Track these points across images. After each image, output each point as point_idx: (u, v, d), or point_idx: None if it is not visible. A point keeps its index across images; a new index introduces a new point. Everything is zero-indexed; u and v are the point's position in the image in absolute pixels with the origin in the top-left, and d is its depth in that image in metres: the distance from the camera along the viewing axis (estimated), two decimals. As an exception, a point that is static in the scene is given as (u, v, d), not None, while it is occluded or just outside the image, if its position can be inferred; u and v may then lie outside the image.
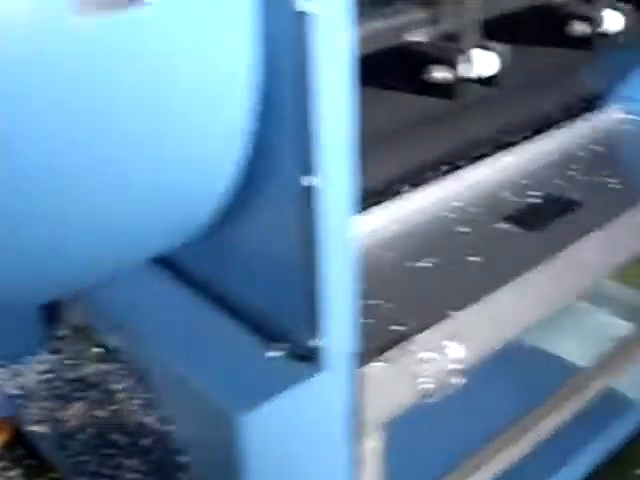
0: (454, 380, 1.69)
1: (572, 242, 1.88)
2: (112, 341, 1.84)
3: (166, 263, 1.77)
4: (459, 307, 1.68)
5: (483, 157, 2.15)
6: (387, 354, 1.57)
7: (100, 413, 2.14)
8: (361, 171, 1.41)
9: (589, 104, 2.44)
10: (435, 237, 1.92)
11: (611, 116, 2.47)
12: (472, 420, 2.28)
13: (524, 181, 2.14)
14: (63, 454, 2.28)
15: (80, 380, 2.34)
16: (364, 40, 1.36)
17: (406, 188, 1.99)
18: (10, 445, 2.55)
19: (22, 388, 2.40)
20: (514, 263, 1.82)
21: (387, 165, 1.89)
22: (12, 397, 2.34)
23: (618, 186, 2.12)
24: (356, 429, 1.59)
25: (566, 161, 2.24)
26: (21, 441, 2.47)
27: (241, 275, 1.61)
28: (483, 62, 1.43)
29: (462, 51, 1.40)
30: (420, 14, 1.45)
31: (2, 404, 2.40)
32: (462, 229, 1.95)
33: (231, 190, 1.43)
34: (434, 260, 1.83)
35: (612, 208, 2.01)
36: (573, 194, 2.08)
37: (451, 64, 1.38)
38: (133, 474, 2.03)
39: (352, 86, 1.31)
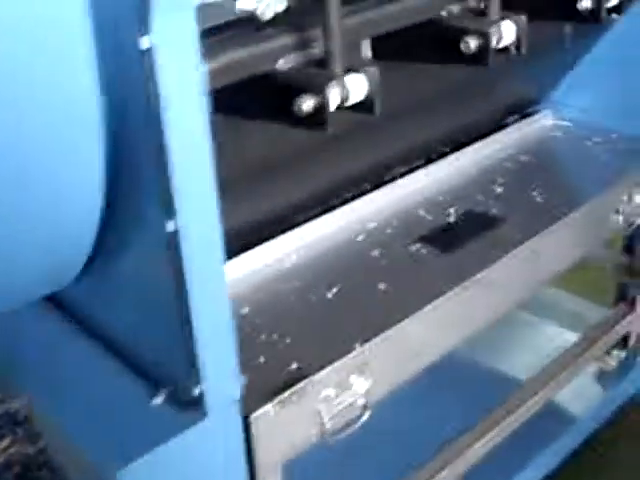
0: (360, 415, 1.61)
1: (489, 262, 1.80)
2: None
3: (56, 303, 1.69)
4: (364, 339, 1.60)
5: (400, 175, 2.06)
6: (283, 395, 1.49)
7: (26, 450, 2.07)
8: (255, 202, 1.32)
9: (517, 112, 2.35)
10: (343, 264, 1.83)
11: (542, 123, 2.38)
12: (404, 443, 2.20)
13: (442, 198, 2.05)
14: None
15: (7, 415, 2.27)
16: (226, 71, 1.28)
17: (312, 214, 1.90)
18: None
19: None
20: (426, 288, 1.74)
21: (285, 193, 1.80)
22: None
23: (545, 199, 2.04)
24: (251, 475, 1.51)
25: (491, 174, 2.15)
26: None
27: (124, 319, 1.53)
28: (353, 87, 1.34)
29: (330, 77, 1.31)
30: (288, 39, 1.36)
31: None
32: (373, 253, 1.86)
33: (95, 236, 1.35)
34: (340, 289, 1.75)
35: (536, 223, 1.93)
36: (495, 210, 2.00)
37: (318, 92, 1.29)
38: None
39: (207, 124, 1.22)
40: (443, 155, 2.16)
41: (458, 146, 2.19)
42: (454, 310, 1.74)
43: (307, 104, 1.29)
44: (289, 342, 1.62)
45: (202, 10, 1.23)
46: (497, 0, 1.57)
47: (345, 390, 1.58)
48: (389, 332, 1.62)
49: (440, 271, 1.79)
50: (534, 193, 2.05)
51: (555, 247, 1.93)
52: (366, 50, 1.63)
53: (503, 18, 1.58)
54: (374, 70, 1.35)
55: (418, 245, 1.88)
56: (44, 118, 1.20)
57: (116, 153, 1.27)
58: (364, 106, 1.38)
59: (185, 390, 1.41)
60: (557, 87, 2.36)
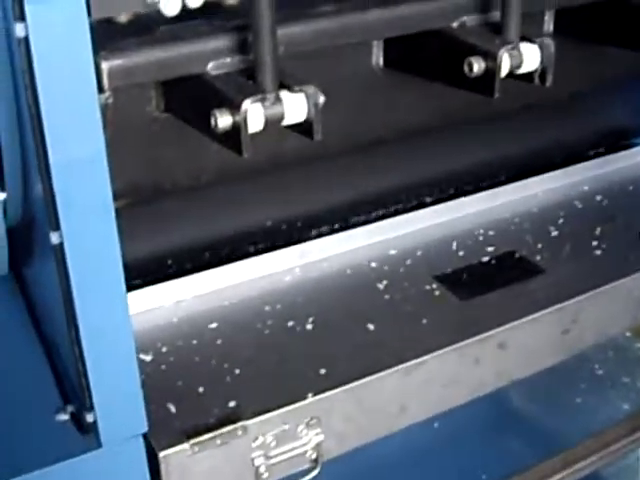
0: (310, 469, 1.42)
1: (505, 321, 1.54)
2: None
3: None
4: (321, 389, 1.40)
5: (443, 199, 1.81)
6: (206, 436, 1.32)
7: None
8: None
9: (608, 142, 2.03)
10: (339, 291, 1.62)
11: (634, 160, 2.05)
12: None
13: (483, 232, 1.78)
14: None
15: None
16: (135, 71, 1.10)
17: (324, 230, 1.69)
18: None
19: None
20: (420, 338, 1.51)
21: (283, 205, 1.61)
22: None
23: (604, 254, 1.74)
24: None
25: (553, 212, 1.86)
26: None
27: (44, 322, 1.41)
28: (289, 106, 1.12)
29: (255, 92, 1.10)
30: (224, 42, 1.15)
31: None
32: (379, 285, 1.64)
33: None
34: (322, 321, 1.54)
35: (580, 282, 1.64)
36: (539, 257, 1.72)
37: (235, 108, 1.08)
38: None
39: (101, 129, 1.05)
40: (502, 182, 1.88)
41: (524, 174, 1.90)
42: (447, 371, 1.50)
43: (223, 121, 1.09)
44: (238, 375, 1.43)
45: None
46: (516, 15, 1.28)
47: (290, 441, 1.39)
48: (355, 385, 1.41)
49: (446, 321, 1.55)
50: (594, 243, 1.75)
51: (597, 315, 1.63)
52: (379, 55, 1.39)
53: (524, 39, 1.30)
54: (315, 92, 1.13)
55: (434, 284, 1.64)
56: None
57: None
58: (302, 128, 1.16)
59: (81, 414, 1.27)
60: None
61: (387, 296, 1.60)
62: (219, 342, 1.50)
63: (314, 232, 1.68)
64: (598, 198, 1.91)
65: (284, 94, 1.12)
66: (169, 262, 1.56)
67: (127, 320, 1.19)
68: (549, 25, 1.56)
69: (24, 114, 1.09)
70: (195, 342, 1.49)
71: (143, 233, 1.48)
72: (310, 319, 1.54)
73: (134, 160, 1.26)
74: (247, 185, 1.44)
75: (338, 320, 1.54)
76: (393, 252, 1.72)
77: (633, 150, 2.05)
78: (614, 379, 2.30)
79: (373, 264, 1.68)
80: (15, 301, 1.56)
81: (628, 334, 2.34)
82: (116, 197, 1.11)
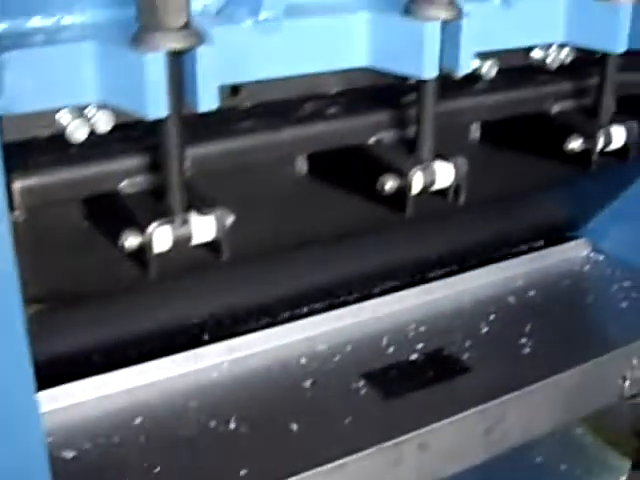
0: None
1: (428, 422, 1.56)
2: None
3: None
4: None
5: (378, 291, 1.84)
6: None
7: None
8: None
9: (547, 236, 2.07)
10: (264, 390, 1.63)
11: (571, 253, 2.09)
12: None
13: (414, 328, 1.81)
14: None
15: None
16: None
17: (254, 325, 1.71)
18: None
19: None
20: (342, 439, 1.52)
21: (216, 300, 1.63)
22: None
23: (532, 351, 1.76)
24: None
25: (485, 308, 1.89)
26: None
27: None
28: (197, 228, 1.15)
29: (162, 213, 1.13)
30: (135, 161, 1.18)
31: None
32: (305, 383, 1.65)
33: None
34: (245, 421, 1.55)
35: (506, 381, 1.66)
36: (467, 355, 1.74)
37: (142, 229, 1.11)
38: None
39: (10, 250, 1.06)
40: (436, 277, 1.91)
41: (458, 269, 1.93)
42: (368, 471, 1.51)
43: (131, 241, 1.12)
44: (158, 474, 1.43)
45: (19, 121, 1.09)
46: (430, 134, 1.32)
47: None
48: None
49: (369, 421, 1.56)
50: (523, 340, 1.77)
51: (521, 415, 1.65)
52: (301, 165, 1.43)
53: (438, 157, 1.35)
54: (223, 213, 1.16)
55: (361, 382, 1.65)
56: None
57: None
58: (211, 247, 1.19)
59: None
60: (599, 215, 2.06)
61: (313, 394, 1.62)
62: (142, 439, 1.50)
63: (244, 327, 1.70)
64: (531, 293, 1.94)
65: (192, 216, 1.15)
66: (95, 357, 1.57)
67: (39, 419, 1.20)
68: (475, 133, 1.60)
69: None
70: (118, 439, 1.50)
71: (69, 332, 1.50)
72: (234, 417, 1.54)
73: (54, 267, 1.28)
74: (170, 285, 1.46)
75: (262, 419, 1.55)
76: (323, 347, 1.73)
77: (565, 245, 2.08)
78: (552, 467, 2.31)
79: (302, 360, 1.70)
80: None
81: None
82: (39, 300, 1.13)
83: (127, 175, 1.18)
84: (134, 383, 1.60)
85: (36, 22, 1.14)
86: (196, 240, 1.16)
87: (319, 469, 1.45)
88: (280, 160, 1.34)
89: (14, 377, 1.16)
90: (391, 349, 1.75)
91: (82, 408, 1.55)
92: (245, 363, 1.68)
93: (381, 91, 1.40)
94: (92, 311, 1.45)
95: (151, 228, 1.10)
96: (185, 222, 1.14)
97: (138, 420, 1.54)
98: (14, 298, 1.11)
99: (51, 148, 1.13)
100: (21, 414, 1.19)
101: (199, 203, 1.15)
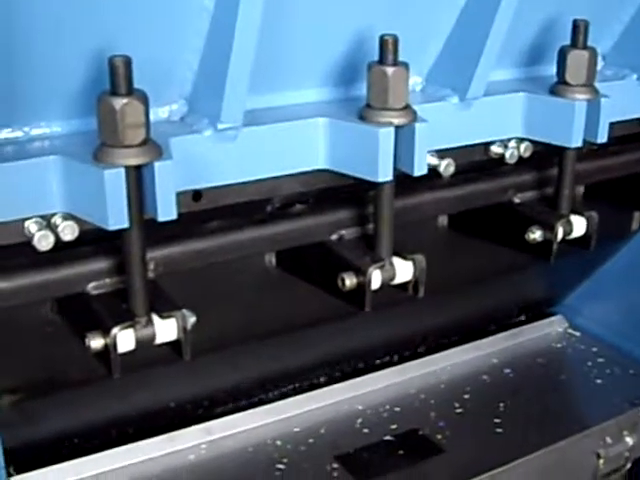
0: None
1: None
2: None
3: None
4: None
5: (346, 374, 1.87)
6: None
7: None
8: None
9: (526, 312, 2.11)
10: (239, 473, 1.66)
11: (547, 330, 2.12)
12: None
13: (388, 408, 1.84)
14: None
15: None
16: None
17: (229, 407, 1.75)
18: None
19: None
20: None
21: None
22: None
23: (505, 431, 1.79)
24: None
25: (460, 387, 1.92)
26: None
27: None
28: (162, 329, 1.20)
29: (134, 316, 1.18)
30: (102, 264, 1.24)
31: None
32: (278, 465, 1.68)
33: None
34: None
35: (477, 463, 1.69)
36: (440, 436, 1.77)
37: (105, 331, 1.16)
38: None
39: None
40: (411, 356, 1.94)
41: (434, 347, 1.97)
42: None
43: (95, 342, 1.17)
44: None
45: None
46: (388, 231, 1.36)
47: None
48: None
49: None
50: (497, 420, 1.80)
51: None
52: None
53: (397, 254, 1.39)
54: (185, 314, 1.21)
55: (334, 465, 1.68)
56: None
57: None
58: (174, 346, 1.24)
59: None
60: (576, 291, 2.10)
61: (286, 476, 1.64)
62: None
63: (220, 410, 1.74)
64: (506, 371, 1.97)
65: (155, 317, 1.20)
66: (69, 442, 1.60)
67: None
68: (443, 222, 1.66)
69: None
70: (90, 526, 1.53)
71: (41, 419, 1.53)
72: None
73: (27, 360, 1.33)
74: (146, 371, 1.50)
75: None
76: (297, 430, 1.77)
77: (541, 322, 2.12)
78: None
79: (278, 442, 1.73)
80: None
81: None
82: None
83: (94, 278, 1.23)
84: (105, 467, 1.62)
85: (5, 134, 1.19)
86: (159, 340, 1.21)
87: None
88: (244, 258, 1.39)
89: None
90: (365, 430, 1.78)
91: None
92: (221, 445, 1.71)
93: (341, 190, 1.45)
94: (65, 398, 1.49)
95: (115, 330, 1.15)
96: (149, 323, 1.19)
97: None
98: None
99: (21, 253, 1.18)
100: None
101: (162, 305, 1.20)
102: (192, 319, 1.21)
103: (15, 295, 1.20)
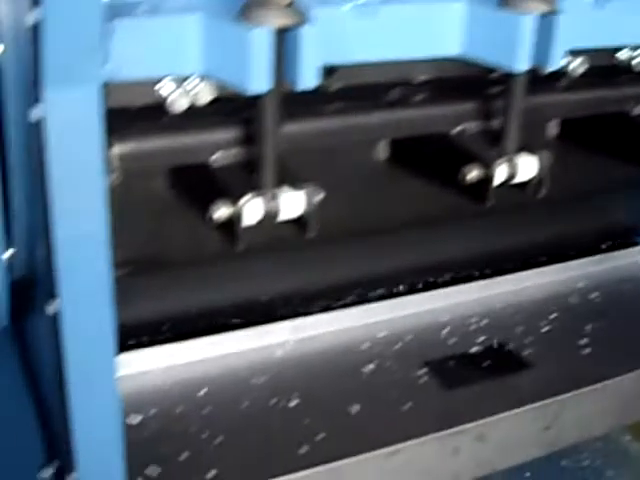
0: None
1: (487, 414, 1.57)
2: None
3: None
4: (301, 467, 1.43)
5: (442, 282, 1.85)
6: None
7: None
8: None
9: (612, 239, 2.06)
10: (326, 372, 1.65)
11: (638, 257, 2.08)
12: None
13: (475, 321, 1.82)
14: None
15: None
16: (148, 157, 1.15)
17: (315, 307, 1.73)
18: None
19: None
20: (402, 425, 1.53)
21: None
22: None
23: (592, 353, 1.76)
24: None
25: (545, 307, 1.89)
26: None
27: (43, 379, 1.45)
28: (287, 202, 1.17)
29: (252, 188, 1.15)
30: (225, 133, 1.20)
31: None
32: (366, 368, 1.67)
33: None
34: (305, 400, 1.57)
35: (565, 380, 1.67)
36: (528, 352, 1.75)
37: (233, 201, 1.13)
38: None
39: (103, 208, 1.10)
40: (500, 272, 1.91)
41: (522, 266, 1.94)
42: (426, 458, 1.52)
43: (220, 212, 1.14)
44: (220, 445, 1.46)
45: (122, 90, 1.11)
46: (515, 126, 1.33)
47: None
48: (335, 465, 1.44)
49: (429, 409, 1.58)
50: (583, 342, 1.78)
51: (580, 414, 1.65)
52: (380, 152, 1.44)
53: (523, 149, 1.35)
54: (313, 190, 1.18)
55: (423, 371, 1.67)
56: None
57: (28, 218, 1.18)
58: (298, 223, 1.21)
59: (63, 473, 1.31)
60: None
61: (374, 379, 1.63)
62: (206, 410, 1.53)
63: (308, 308, 1.72)
64: (593, 295, 1.94)
65: (283, 191, 1.18)
66: (165, 327, 1.60)
67: (114, 385, 1.23)
68: (553, 130, 1.61)
69: (36, 186, 1.14)
70: (183, 408, 1.53)
71: (144, 298, 1.52)
72: (296, 395, 1.56)
73: (139, 233, 1.31)
74: (247, 259, 1.48)
75: (323, 399, 1.57)
76: (384, 334, 1.75)
77: (631, 249, 2.08)
78: (598, 471, 2.31)
79: (364, 345, 1.72)
80: (12, 354, 1.60)
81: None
82: (121, 265, 1.16)
83: (219, 147, 1.20)
84: (201, 355, 1.62)
85: (143, -8, 1.16)
86: (284, 215, 1.19)
87: (376, 452, 1.47)
88: (361, 144, 1.36)
89: (97, 338, 1.19)
90: (452, 340, 1.76)
91: (150, 376, 1.58)
92: (309, 343, 1.70)
93: (467, 82, 1.42)
94: (170, 280, 1.48)
95: (243, 201, 1.12)
96: (275, 197, 1.17)
97: (202, 392, 1.57)
98: (103, 259, 1.14)
99: (150, 116, 1.15)
100: (99, 376, 1.22)
101: (290, 179, 1.18)
102: (319, 195, 1.18)
103: (140, 159, 1.17)
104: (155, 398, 1.54)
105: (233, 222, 1.15)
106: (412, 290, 1.82)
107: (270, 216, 1.18)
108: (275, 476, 1.40)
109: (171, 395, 1.55)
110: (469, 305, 1.85)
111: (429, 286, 1.84)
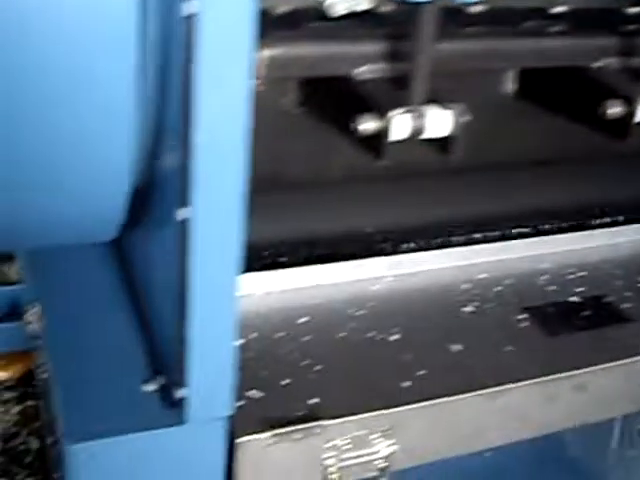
0: (376, 478, 1.43)
1: (590, 364, 1.54)
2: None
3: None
4: (402, 402, 1.40)
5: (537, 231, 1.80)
6: (285, 429, 1.33)
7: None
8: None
9: None
10: (426, 308, 1.62)
11: None
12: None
13: (574, 272, 1.78)
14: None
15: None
16: (293, 64, 1.12)
17: (419, 245, 1.70)
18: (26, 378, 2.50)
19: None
20: (503, 367, 1.51)
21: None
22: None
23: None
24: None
25: (647, 263, 1.85)
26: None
27: (148, 290, 1.43)
28: (434, 120, 1.13)
29: (400, 102, 1.11)
30: (373, 46, 1.16)
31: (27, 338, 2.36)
32: (466, 308, 1.64)
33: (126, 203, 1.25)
34: (405, 336, 1.54)
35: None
36: (627, 305, 1.71)
37: (382, 114, 1.09)
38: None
39: (247, 112, 1.07)
40: (601, 224, 1.87)
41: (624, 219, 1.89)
42: (525, 403, 1.49)
43: (368, 125, 1.10)
44: (321, 373, 1.44)
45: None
46: None
47: (364, 447, 1.40)
48: (437, 402, 1.41)
49: (530, 354, 1.55)
50: (689, 299, 1.73)
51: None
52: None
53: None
54: (461, 110, 1.14)
55: (523, 315, 1.63)
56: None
57: (155, 121, 1.15)
58: (440, 144, 1.17)
59: (171, 388, 1.29)
60: None
61: (474, 319, 1.61)
62: (306, 338, 1.51)
63: (409, 245, 1.69)
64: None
65: (431, 108, 1.14)
66: (266, 253, 1.58)
67: (235, 303, 1.21)
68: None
69: (171, 86, 1.10)
70: (283, 334, 1.51)
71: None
72: (395, 330, 1.54)
73: (264, 149, 1.28)
74: (361, 188, 1.45)
75: (423, 336, 1.55)
76: (484, 276, 1.72)
77: None
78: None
79: (465, 285, 1.69)
80: (113, 269, 1.59)
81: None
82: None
83: (367, 60, 1.16)
84: (302, 284, 1.60)
85: None
86: (429, 134, 1.15)
87: (481, 391, 1.44)
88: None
89: (225, 250, 1.17)
90: (551, 288, 1.72)
91: (250, 300, 1.56)
92: (408, 280, 1.68)
93: (607, 16, 1.36)
94: (286, 201, 1.45)
95: (391, 114, 1.09)
96: (422, 114, 1.13)
97: (303, 320, 1.55)
98: (240, 168, 1.11)
99: (302, 23, 1.12)
100: (222, 289, 1.20)
101: (438, 97, 1.14)
102: (467, 116, 1.14)
103: (287, 65, 1.13)
104: (255, 323, 1.52)
105: (378, 138, 1.11)
106: (514, 236, 1.78)
107: (415, 133, 1.14)
108: (377, 409, 1.38)
109: (271, 321, 1.53)
110: (568, 255, 1.81)
111: (532, 233, 1.80)
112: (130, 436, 1.27)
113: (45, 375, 2.05)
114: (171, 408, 1.30)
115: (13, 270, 2.82)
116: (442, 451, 1.49)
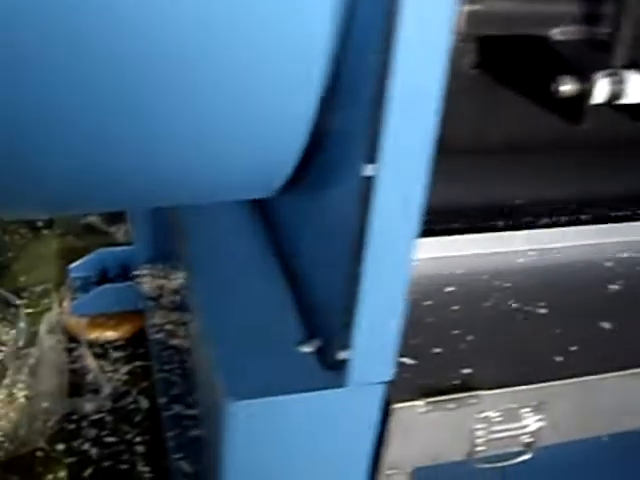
0: (520, 453, 1.40)
1: None
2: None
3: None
4: (555, 377, 1.37)
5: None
6: (441, 397, 1.31)
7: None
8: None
9: None
10: (571, 284, 1.59)
11: None
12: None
13: None
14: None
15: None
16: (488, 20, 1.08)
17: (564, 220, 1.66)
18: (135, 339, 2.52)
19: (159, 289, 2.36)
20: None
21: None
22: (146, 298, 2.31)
23: None
24: (374, 468, 1.36)
25: None
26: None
27: (306, 251, 1.41)
28: (631, 85, 1.09)
29: (610, 67, 1.07)
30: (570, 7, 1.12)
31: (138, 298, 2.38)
32: (612, 286, 1.60)
33: (299, 152, 1.23)
34: (553, 309, 1.51)
35: None
36: None
37: (582, 77, 1.06)
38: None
39: (442, 72, 1.04)
40: None
41: None
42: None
43: (564, 87, 1.07)
44: (472, 343, 1.42)
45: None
46: None
47: (513, 420, 1.37)
48: (591, 379, 1.38)
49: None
50: None
51: None
52: None
53: None
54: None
55: (674, 296, 1.59)
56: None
57: (337, 70, 1.12)
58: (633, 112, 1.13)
59: (332, 350, 1.27)
60: None
61: (622, 297, 1.57)
62: (454, 307, 1.48)
63: (551, 221, 1.66)
64: None
65: (633, 73, 1.10)
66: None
67: (409, 267, 1.19)
68: None
69: (356, 41, 1.07)
70: (430, 302, 1.49)
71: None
72: (542, 304, 1.51)
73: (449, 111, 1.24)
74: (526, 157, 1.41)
75: (571, 311, 1.51)
76: (627, 255, 1.68)
77: None
78: None
79: (608, 263, 1.65)
80: (254, 229, 1.58)
81: None
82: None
83: (564, 22, 1.13)
84: (447, 253, 1.57)
85: None
86: (629, 99, 1.11)
87: (629, 372, 1.41)
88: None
89: (406, 215, 1.14)
90: None
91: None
92: (551, 255, 1.64)
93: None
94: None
95: (596, 77, 1.05)
96: (623, 78, 1.09)
97: (450, 289, 1.52)
98: (433, 126, 1.08)
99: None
100: (399, 250, 1.18)
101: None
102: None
103: (485, 22, 1.10)
104: (404, 289, 1.50)
105: (578, 100, 1.08)
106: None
107: (612, 98, 1.11)
108: (531, 383, 1.35)
109: (419, 288, 1.51)
110: None
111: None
112: (291, 396, 1.25)
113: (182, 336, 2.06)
114: (329, 370, 1.28)
115: (122, 231, 2.83)
116: (586, 430, 1.46)
